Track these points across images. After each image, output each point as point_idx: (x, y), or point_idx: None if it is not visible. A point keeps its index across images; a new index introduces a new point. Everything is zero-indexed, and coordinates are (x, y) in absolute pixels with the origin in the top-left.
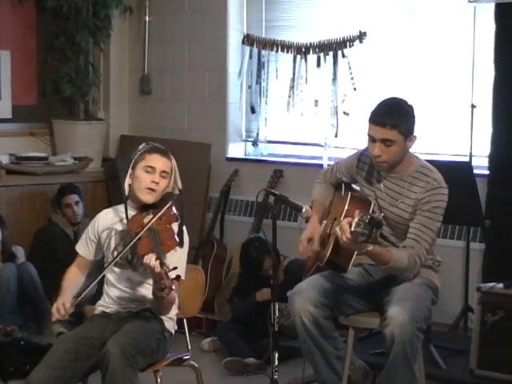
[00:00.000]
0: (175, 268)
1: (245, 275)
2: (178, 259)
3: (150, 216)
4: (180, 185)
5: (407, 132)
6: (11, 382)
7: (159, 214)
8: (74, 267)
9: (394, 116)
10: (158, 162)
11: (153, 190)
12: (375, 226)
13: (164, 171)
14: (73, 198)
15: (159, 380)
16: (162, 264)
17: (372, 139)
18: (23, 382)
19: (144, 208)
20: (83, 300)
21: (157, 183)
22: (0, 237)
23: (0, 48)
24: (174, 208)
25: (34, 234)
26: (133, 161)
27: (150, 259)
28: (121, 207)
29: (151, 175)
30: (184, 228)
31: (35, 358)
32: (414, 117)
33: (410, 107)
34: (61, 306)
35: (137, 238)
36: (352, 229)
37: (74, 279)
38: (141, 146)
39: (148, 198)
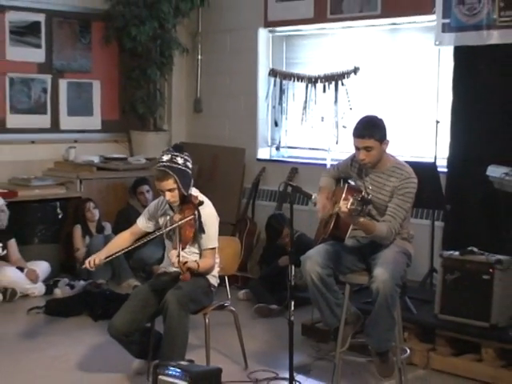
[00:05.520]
0: (186, 262)
1: (267, 241)
2: (210, 233)
3: (177, 215)
4: (191, 183)
5: (381, 138)
6: (100, 321)
7: (181, 221)
8: (126, 233)
9: (369, 129)
10: (160, 186)
11: (171, 202)
12: (365, 203)
13: (169, 189)
14: (145, 188)
15: (207, 321)
16: (179, 261)
17: (357, 148)
18: (108, 322)
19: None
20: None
21: (169, 199)
22: (98, 215)
23: (93, 78)
24: (196, 199)
25: (116, 214)
26: None
27: (172, 256)
28: None
29: (164, 194)
30: (209, 212)
31: (117, 304)
32: (384, 126)
33: (381, 120)
34: (92, 261)
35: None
36: (348, 206)
37: (119, 243)
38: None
39: (174, 205)
